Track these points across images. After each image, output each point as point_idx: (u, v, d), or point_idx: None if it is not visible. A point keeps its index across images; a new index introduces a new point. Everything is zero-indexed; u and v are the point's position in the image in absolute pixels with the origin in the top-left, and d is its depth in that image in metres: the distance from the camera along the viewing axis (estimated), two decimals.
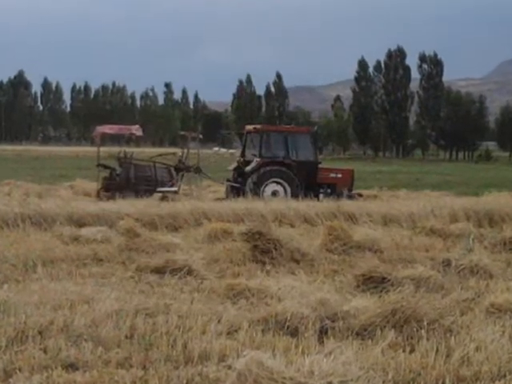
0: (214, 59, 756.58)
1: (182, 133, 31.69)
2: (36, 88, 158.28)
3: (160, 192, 24.67)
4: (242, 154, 27.20)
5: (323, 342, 7.25)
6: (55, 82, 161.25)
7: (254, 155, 26.27)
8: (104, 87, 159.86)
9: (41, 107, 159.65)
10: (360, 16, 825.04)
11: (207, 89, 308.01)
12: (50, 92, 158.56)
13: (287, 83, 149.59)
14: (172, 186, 25.40)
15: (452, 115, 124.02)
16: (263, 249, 11.91)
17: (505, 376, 6.47)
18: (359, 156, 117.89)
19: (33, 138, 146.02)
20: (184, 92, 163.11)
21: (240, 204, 18.10)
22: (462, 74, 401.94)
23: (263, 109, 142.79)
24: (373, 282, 9.63)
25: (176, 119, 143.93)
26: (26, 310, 7.93)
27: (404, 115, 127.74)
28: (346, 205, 18.37)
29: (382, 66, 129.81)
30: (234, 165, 26.97)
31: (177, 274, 10.33)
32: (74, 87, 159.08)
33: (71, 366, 6.53)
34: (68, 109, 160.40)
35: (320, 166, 26.81)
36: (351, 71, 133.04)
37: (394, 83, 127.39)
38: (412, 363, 6.65)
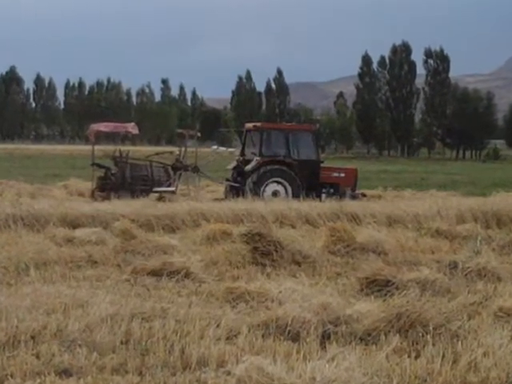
0: (212, 54, 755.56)
1: (180, 131, 31.49)
2: (28, 84, 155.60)
3: (157, 192, 24.61)
4: (242, 153, 27.09)
5: (325, 347, 7.21)
6: (48, 78, 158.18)
7: (254, 154, 26.14)
8: (99, 83, 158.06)
9: (33, 104, 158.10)
10: (364, 10, 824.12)
11: (205, 85, 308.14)
12: (43, 88, 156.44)
13: (288, 79, 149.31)
14: (169, 185, 25.32)
15: (459, 112, 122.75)
16: (263, 251, 11.96)
17: None
18: (363, 155, 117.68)
19: (25, 136, 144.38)
20: (181, 88, 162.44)
21: (239, 204, 18.11)
22: (469, 69, 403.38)
23: (263, 106, 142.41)
24: (377, 285, 9.62)
25: (173, 117, 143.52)
26: (18, 314, 7.90)
27: (409, 112, 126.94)
28: (349, 205, 18.36)
29: (387, 61, 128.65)
30: (234, 164, 26.85)
31: (174, 276, 10.33)
32: (67, 83, 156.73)
33: (65, 372, 6.52)
34: (61, 106, 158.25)
35: (322, 165, 26.74)
36: (354, 67, 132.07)
37: (399, 79, 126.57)
38: (417, 369, 6.63)
